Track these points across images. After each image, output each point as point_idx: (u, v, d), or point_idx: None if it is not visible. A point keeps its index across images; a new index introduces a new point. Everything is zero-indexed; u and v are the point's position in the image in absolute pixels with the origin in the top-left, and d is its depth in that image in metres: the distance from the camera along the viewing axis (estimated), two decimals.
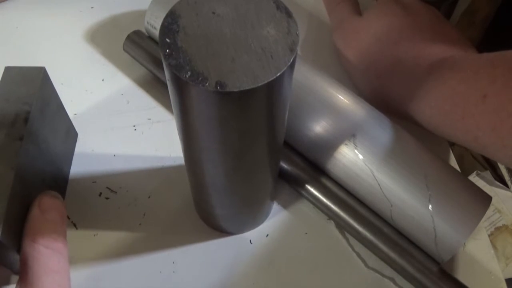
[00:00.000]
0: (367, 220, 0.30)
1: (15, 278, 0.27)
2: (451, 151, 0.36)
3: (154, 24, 0.36)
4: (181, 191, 0.33)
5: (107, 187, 0.33)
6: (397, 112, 0.34)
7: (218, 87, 0.16)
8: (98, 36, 0.41)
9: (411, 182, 0.28)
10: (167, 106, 0.37)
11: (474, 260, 0.32)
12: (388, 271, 0.30)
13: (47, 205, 0.24)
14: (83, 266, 0.30)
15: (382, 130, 0.30)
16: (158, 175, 0.34)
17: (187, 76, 0.17)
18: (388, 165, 0.29)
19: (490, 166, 0.82)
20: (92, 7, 0.43)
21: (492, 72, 0.26)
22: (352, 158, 0.29)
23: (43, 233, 0.23)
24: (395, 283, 0.30)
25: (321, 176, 0.31)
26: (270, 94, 0.18)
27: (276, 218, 0.32)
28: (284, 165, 0.32)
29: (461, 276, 0.29)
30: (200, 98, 0.17)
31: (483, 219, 0.28)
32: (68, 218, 0.32)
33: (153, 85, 0.38)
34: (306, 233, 0.32)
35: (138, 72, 0.38)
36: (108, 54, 0.40)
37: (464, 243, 0.32)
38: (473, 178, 0.77)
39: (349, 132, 0.30)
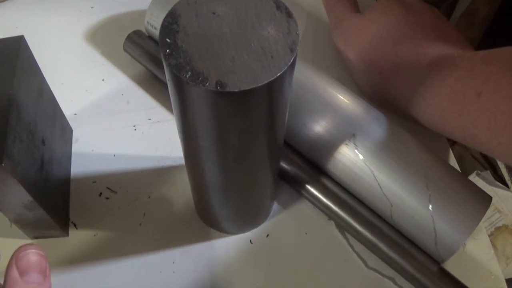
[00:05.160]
0: (367, 220, 0.30)
1: None
2: (451, 151, 0.36)
3: (154, 24, 0.36)
4: (181, 191, 0.33)
5: (107, 187, 0.33)
6: (398, 110, 0.34)
7: (218, 87, 0.16)
8: (98, 36, 0.41)
9: (411, 182, 0.28)
10: (167, 106, 0.37)
11: (474, 260, 0.32)
12: (388, 271, 0.30)
13: (26, 265, 0.21)
14: (83, 266, 0.30)
15: (382, 130, 0.30)
16: (158, 175, 0.34)
17: (187, 76, 0.17)
18: (388, 165, 0.29)
19: (490, 166, 0.82)
20: (92, 7, 0.43)
21: (486, 70, 0.26)
22: (352, 158, 0.29)
23: None
24: (395, 283, 0.30)
25: (321, 176, 0.31)
26: (271, 94, 0.18)
27: (276, 218, 0.32)
28: (284, 165, 0.32)
29: (461, 276, 0.29)
30: (200, 98, 0.17)
31: (483, 219, 0.28)
32: (68, 218, 0.32)
33: (153, 85, 0.38)
34: (306, 233, 0.32)
35: (138, 72, 0.38)
36: (108, 54, 0.40)
37: (464, 243, 0.32)
38: (473, 178, 0.77)
39: (349, 132, 0.30)
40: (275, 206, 0.33)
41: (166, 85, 0.20)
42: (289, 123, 0.30)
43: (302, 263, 0.31)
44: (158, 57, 0.36)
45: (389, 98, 0.34)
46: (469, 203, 0.28)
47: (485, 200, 0.29)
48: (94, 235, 0.31)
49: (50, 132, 0.29)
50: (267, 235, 0.32)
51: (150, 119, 0.36)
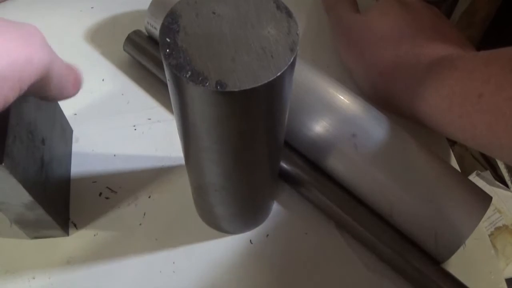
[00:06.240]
0: (367, 220, 0.30)
1: None
2: (451, 151, 0.36)
3: (154, 24, 0.36)
4: (181, 191, 0.33)
5: (107, 187, 0.33)
6: (398, 110, 0.34)
7: (219, 87, 0.16)
8: (98, 36, 0.41)
9: (411, 182, 0.28)
10: (167, 106, 0.37)
11: (474, 260, 0.32)
12: (388, 271, 0.30)
13: None
14: (83, 266, 0.30)
15: (382, 130, 0.30)
16: (158, 175, 0.34)
17: (187, 76, 0.17)
18: (388, 165, 0.29)
19: (490, 166, 0.82)
20: (92, 7, 0.43)
21: (486, 71, 0.26)
22: (352, 158, 0.29)
23: None
24: (395, 283, 0.30)
25: (321, 176, 0.31)
26: (271, 94, 0.18)
27: (276, 218, 0.32)
28: (284, 165, 0.32)
29: (461, 276, 0.29)
30: (200, 98, 0.17)
31: (483, 219, 0.28)
32: (68, 218, 0.32)
33: (153, 85, 0.38)
34: (306, 233, 0.32)
35: (138, 72, 0.38)
36: (108, 54, 0.40)
37: (464, 243, 0.32)
38: (473, 178, 0.77)
39: (349, 132, 0.29)
40: (275, 206, 0.33)
41: (166, 85, 0.20)
42: (289, 123, 0.30)
43: (302, 263, 0.31)
44: (158, 57, 0.36)
45: (389, 98, 0.34)
46: (469, 203, 0.28)
47: (485, 200, 0.29)
48: (94, 235, 0.31)
49: (50, 132, 0.29)
50: (267, 235, 0.32)
51: (150, 119, 0.36)
